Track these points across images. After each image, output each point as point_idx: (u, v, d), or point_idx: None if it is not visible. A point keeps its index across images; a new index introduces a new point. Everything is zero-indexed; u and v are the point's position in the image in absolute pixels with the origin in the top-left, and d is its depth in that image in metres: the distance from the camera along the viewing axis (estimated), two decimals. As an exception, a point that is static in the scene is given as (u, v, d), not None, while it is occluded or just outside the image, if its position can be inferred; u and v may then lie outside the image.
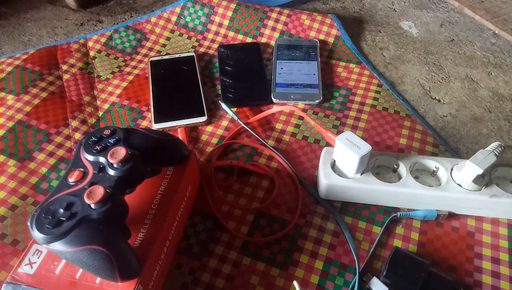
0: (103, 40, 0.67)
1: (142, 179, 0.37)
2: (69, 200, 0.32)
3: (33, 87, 0.60)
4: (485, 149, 0.44)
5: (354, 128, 0.55)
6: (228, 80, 0.60)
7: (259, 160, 0.52)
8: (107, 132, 0.38)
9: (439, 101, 0.60)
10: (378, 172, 0.47)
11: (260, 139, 0.54)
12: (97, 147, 0.36)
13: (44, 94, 0.59)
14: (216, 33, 0.68)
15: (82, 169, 0.35)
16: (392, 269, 0.39)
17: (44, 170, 0.50)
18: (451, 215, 0.46)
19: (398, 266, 0.39)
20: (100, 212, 0.32)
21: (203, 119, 0.55)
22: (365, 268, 0.42)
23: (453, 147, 0.54)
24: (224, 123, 0.56)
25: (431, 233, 0.45)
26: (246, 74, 0.61)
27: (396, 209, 0.47)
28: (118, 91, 0.60)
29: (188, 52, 0.64)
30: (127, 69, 0.63)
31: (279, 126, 0.56)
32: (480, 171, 0.42)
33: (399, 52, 0.68)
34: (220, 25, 0.69)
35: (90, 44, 0.67)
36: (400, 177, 0.46)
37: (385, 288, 0.40)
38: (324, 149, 0.48)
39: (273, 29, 0.68)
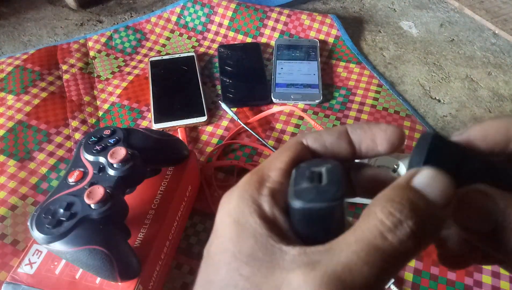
0: (103, 40, 0.67)
1: (142, 179, 0.37)
2: (69, 200, 0.32)
3: (33, 87, 0.60)
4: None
5: (354, 128, 0.55)
6: (228, 80, 0.60)
7: (259, 160, 0.52)
8: (107, 132, 0.38)
9: (439, 101, 0.60)
10: (378, 172, 0.47)
11: (260, 139, 0.54)
12: (97, 147, 0.36)
13: (44, 94, 0.59)
14: (216, 33, 0.68)
15: (82, 169, 0.35)
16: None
17: (44, 170, 0.50)
18: (451, 215, 0.46)
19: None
20: (100, 212, 0.32)
21: (203, 119, 0.55)
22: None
23: (453, 147, 0.54)
24: (224, 123, 0.56)
25: (431, 233, 0.45)
26: (246, 74, 0.61)
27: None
28: (118, 91, 0.60)
29: (188, 52, 0.64)
30: (127, 69, 0.63)
31: (279, 126, 0.56)
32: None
33: (399, 52, 0.68)
34: (220, 25, 0.69)
35: (90, 44, 0.67)
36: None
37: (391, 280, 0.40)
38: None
39: (273, 29, 0.68)
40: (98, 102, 0.59)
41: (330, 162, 0.19)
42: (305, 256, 0.16)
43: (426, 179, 0.16)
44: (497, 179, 0.18)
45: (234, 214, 0.18)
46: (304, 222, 0.17)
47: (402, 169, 0.46)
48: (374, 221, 0.15)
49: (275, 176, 0.19)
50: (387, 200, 0.16)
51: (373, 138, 0.20)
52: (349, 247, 0.15)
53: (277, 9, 0.69)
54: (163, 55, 0.64)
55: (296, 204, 0.17)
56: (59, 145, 0.53)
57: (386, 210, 0.15)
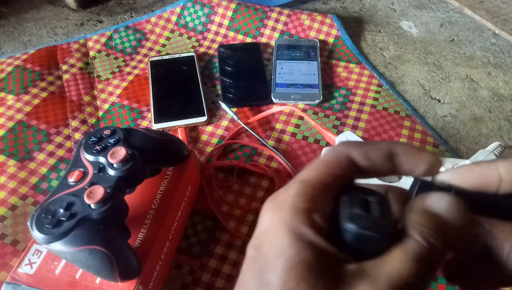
0: (103, 40, 0.67)
1: (142, 179, 0.37)
2: (69, 200, 0.32)
3: (33, 87, 0.60)
4: (485, 149, 0.44)
5: (354, 128, 0.55)
6: (228, 80, 0.60)
7: (259, 160, 0.52)
8: (107, 132, 0.38)
9: (439, 101, 0.60)
10: (378, 172, 0.47)
11: (260, 139, 0.54)
12: (97, 147, 0.36)
13: (44, 94, 0.59)
14: (216, 33, 0.68)
15: (82, 169, 0.35)
16: None
17: (44, 170, 0.50)
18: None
19: None
20: (100, 212, 0.32)
21: (203, 119, 0.55)
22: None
23: (453, 147, 0.54)
24: (224, 123, 0.56)
25: (431, 233, 0.45)
26: (246, 74, 0.61)
27: (396, 209, 0.47)
28: (118, 91, 0.60)
29: (188, 52, 0.64)
30: (127, 69, 0.63)
31: (279, 126, 0.56)
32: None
33: (399, 52, 0.68)
34: (220, 25, 0.69)
35: (90, 44, 0.67)
36: (400, 177, 0.46)
37: None
38: (324, 149, 0.48)
39: (273, 29, 0.68)
40: (98, 102, 0.59)
41: (376, 194, 0.20)
42: (364, 271, 0.18)
43: (446, 205, 0.20)
44: (487, 208, 0.20)
45: (290, 224, 0.19)
46: (353, 243, 0.19)
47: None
48: (415, 242, 0.19)
49: (325, 196, 0.20)
50: (420, 225, 0.19)
51: (418, 163, 0.21)
52: (399, 261, 0.18)
53: (277, 9, 0.69)
54: (163, 55, 0.64)
55: (351, 227, 0.19)
56: (59, 145, 0.53)
57: (422, 235, 0.19)
